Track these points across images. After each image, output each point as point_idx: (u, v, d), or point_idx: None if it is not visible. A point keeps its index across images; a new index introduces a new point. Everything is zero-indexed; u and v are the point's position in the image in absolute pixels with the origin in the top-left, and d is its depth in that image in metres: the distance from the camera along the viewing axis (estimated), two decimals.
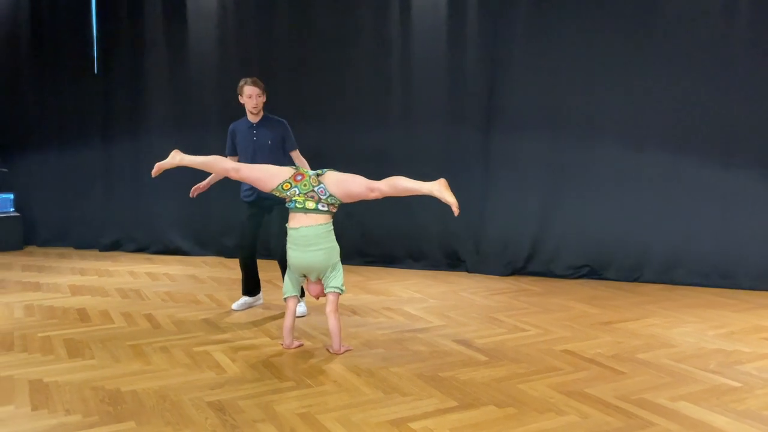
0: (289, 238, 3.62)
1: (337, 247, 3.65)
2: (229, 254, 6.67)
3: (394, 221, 6.19)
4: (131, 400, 2.97)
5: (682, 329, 4.19)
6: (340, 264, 3.66)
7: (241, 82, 4.35)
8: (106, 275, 5.88)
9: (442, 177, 3.58)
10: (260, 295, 4.76)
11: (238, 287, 5.34)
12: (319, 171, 3.62)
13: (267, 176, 3.62)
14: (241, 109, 4.45)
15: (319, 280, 3.66)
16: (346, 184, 3.56)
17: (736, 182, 5.39)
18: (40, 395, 3.02)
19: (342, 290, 3.62)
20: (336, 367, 3.42)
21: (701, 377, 3.31)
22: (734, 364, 3.52)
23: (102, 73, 7.16)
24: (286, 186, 3.58)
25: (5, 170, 7.32)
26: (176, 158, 3.63)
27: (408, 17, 6.13)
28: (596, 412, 2.86)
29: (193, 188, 4.51)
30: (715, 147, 5.40)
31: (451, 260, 6.19)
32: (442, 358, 3.58)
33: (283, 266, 4.37)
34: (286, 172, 3.62)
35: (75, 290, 5.25)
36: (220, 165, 3.73)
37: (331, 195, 3.55)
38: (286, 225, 3.65)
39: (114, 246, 7.17)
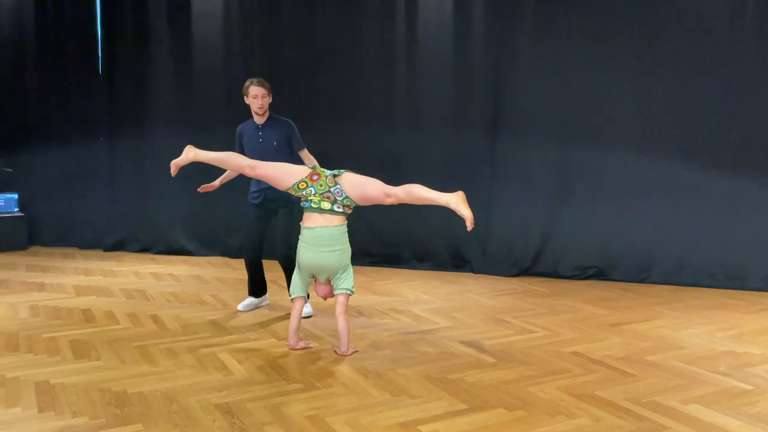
0: (302, 237, 3.59)
1: (350, 249, 3.63)
2: (233, 254, 6.66)
3: (399, 222, 6.16)
4: (138, 402, 2.95)
5: (691, 331, 4.16)
6: (351, 266, 3.64)
7: (247, 83, 4.32)
8: (111, 275, 5.86)
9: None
10: (266, 296, 4.73)
11: (244, 288, 5.33)
12: (335, 171, 3.59)
13: (282, 175, 3.60)
14: (246, 109, 4.43)
15: (328, 281, 3.64)
16: (363, 188, 3.53)
17: (744, 183, 5.35)
18: (47, 397, 3.00)
19: (352, 292, 3.60)
20: (343, 369, 3.40)
21: (712, 380, 3.28)
22: (745, 366, 3.49)
23: (106, 73, 7.15)
24: (302, 185, 3.56)
25: (9, 170, 7.31)
26: (190, 153, 3.60)
27: (414, 19, 6.10)
28: (607, 415, 2.84)
29: (203, 185, 4.50)
30: (724, 149, 5.37)
31: (457, 261, 6.16)
32: (449, 360, 3.56)
33: (285, 267, 4.35)
34: (302, 171, 3.60)
35: (80, 291, 5.24)
36: (235, 161, 3.69)
37: (347, 197, 3.53)
38: (300, 223, 3.62)
39: (118, 246, 7.16)
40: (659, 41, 5.43)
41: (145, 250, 7.07)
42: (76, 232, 7.37)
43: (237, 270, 6.04)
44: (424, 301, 4.96)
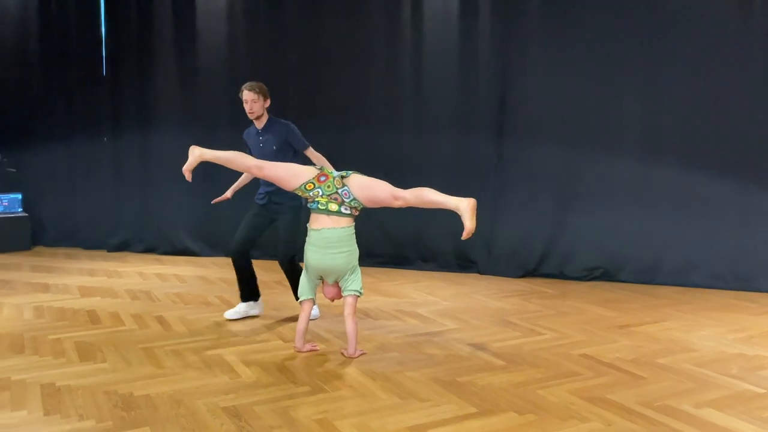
0: (309, 239, 3.57)
1: (357, 250, 3.60)
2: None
3: (405, 222, 6.13)
4: (145, 405, 2.93)
5: (700, 333, 4.13)
6: (359, 267, 3.61)
7: (242, 87, 4.22)
8: (116, 276, 5.84)
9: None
10: (259, 302, 4.45)
11: None
12: (343, 173, 3.56)
13: (290, 175, 3.57)
14: (240, 111, 4.38)
15: (336, 283, 3.61)
16: (371, 190, 3.50)
17: (752, 185, 5.32)
18: (53, 400, 2.98)
19: (360, 293, 3.58)
20: (351, 372, 3.37)
21: (724, 383, 3.25)
22: (756, 369, 3.45)
23: (110, 74, 7.13)
24: (309, 186, 3.53)
25: (14, 170, 7.30)
26: (196, 152, 3.55)
27: (420, 22, 6.07)
28: (619, 419, 2.80)
29: (216, 198, 4.50)
30: (732, 152, 5.34)
31: (462, 262, 6.13)
32: (458, 363, 3.53)
33: (286, 270, 4.26)
34: (309, 172, 3.57)
35: (84, 291, 5.22)
36: (242, 161, 3.64)
37: (354, 198, 3.50)
38: (307, 225, 3.59)
39: (122, 246, 7.14)
40: (667, 46, 5.40)
41: (149, 250, 7.05)
42: (80, 232, 7.36)
43: None
44: (431, 302, 4.93)
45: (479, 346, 3.81)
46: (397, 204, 3.50)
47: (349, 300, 3.57)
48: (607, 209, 5.67)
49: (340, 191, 3.51)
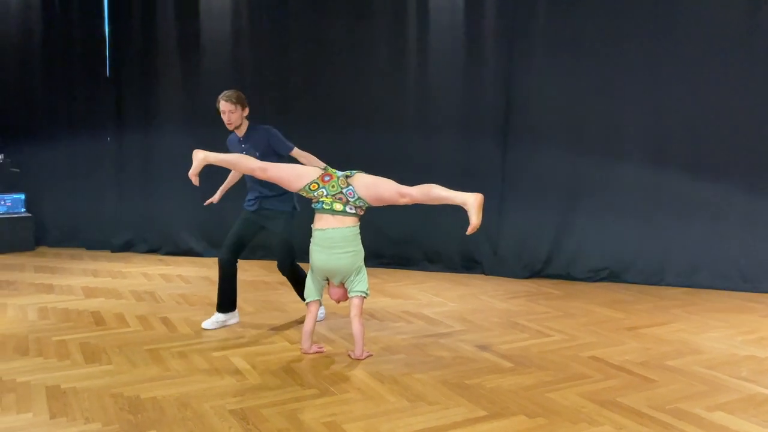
0: (313, 240, 3.54)
1: (363, 250, 3.57)
2: (242, 256, 6.58)
3: (409, 223, 6.10)
4: (152, 407, 2.90)
5: (710, 335, 4.10)
6: (364, 267, 3.58)
7: (218, 97, 4.04)
8: (120, 277, 5.82)
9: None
10: (235, 313, 4.25)
11: (252, 290, 5.30)
12: (348, 172, 3.53)
13: (294, 176, 3.54)
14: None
15: (341, 284, 3.58)
16: (376, 188, 3.48)
17: (759, 188, 5.29)
18: (58, 402, 2.95)
19: (367, 294, 3.55)
20: (358, 374, 3.34)
21: (735, 385, 3.22)
22: None
23: (114, 74, 7.10)
24: (314, 186, 3.50)
25: (17, 170, 7.28)
26: (200, 155, 3.54)
27: (425, 24, 6.03)
28: (631, 422, 2.77)
29: (208, 200, 4.41)
30: (740, 157, 5.31)
31: (468, 262, 6.10)
32: (466, 365, 3.50)
33: (288, 277, 4.21)
34: (313, 172, 3.55)
35: (88, 292, 5.19)
36: (246, 164, 3.61)
37: (359, 198, 3.47)
38: (312, 226, 3.56)
39: (126, 247, 7.11)
40: (672, 50, 5.36)
41: (152, 250, 7.02)
42: (83, 232, 7.33)
43: (246, 271, 5.98)
44: (437, 303, 4.90)
45: (487, 348, 3.78)
46: (403, 201, 3.47)
47: (356, 301, 3.54)
48: (613, 210, 5.64)
49: (344, 191, 3.48)
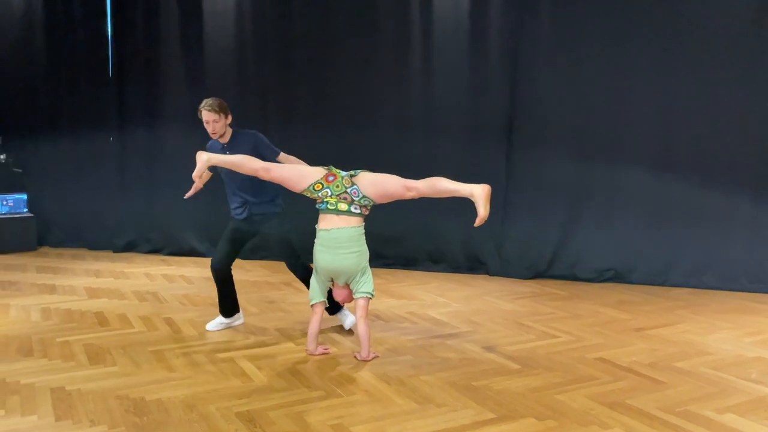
0: (318, 240, 3.51)
1: (368, 251, 3.55)
2: (244, 256, 6.56)
3: (412, 222, 6.07)
4: (157, 410, 2.88)
5: (717, 336, 4.07)
6: (369, 268, 3.56)
7: (200, 107, 3.85)
8: (122, 277, 5.80)
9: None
10: (239, 315, 4.25)
11: (256, 290, 5.28)
12: (352, 172, 3.52)
13: (297, 177, 3.52)
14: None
15: (346, 285, 3.56)
16: (382, 185, 3.46)
17: (764, 188, 5.25)
18: (63, 404, 2.93)
19: (372, 295, 3.53)
20: (365, 375, 3.32)
21: (744, 387, 3.19)
22: None
23: (117, 74, 7.08)
24: (318, 187, 3.48)
25: (19, 171, 7.26)
26: (203, 157, 3.52)
27: (429, 25, 6.00)
28: (641, 425, 2.75)
29: (187, 194, 4.20)
30: (746, 157, 5.28)
31: (472, 263, 6.07)
32: (473, 366, 3.47)
33: (296, 271, 4.15)
34: (317, 172, 3.52)
35: (91, 293, 5.17)
36: (249, 165, 3.57)
37: (364, 196, 3.45)
38: (316, 226, 3.53)
39: (128, 247, 7.10)
40: (680, 55, 5.33)
41: (155, 251, 7.00)
42: (85, 232, 7.31)
43: (249, 272, 5.97)
44: (442, 304, 4.88)
45: (493, 349, 3.76)
46: (410, 195, 3.45)
47: (361, 302, 3.52)
48: (618, 211, 5.61)
49: (349, 190, 3.46)
